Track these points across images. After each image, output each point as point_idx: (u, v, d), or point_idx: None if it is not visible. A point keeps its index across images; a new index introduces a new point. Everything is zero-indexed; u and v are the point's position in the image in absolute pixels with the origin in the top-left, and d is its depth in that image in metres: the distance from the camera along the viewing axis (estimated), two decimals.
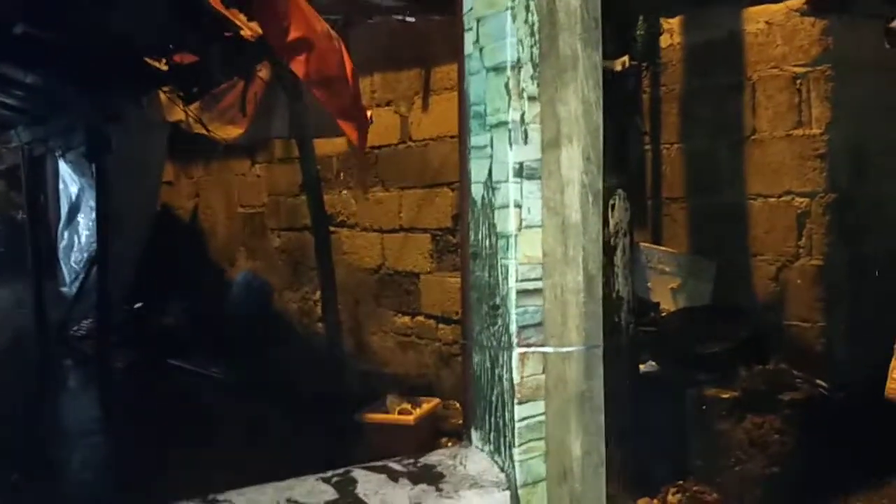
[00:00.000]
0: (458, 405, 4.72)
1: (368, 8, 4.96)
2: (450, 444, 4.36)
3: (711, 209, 4.08)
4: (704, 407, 3.59)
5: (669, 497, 3.52)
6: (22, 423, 5.53)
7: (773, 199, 3.83)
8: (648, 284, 4.06)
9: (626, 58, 3.45)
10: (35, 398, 6.28)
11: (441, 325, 5.28)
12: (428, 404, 4.31)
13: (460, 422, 4.67)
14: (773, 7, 3.75)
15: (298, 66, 3.76)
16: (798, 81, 3.71)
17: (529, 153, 1.37)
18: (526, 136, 1.36)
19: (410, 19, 4.92)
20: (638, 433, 3.38)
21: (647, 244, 4.10)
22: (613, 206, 3.52)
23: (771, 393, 3.56)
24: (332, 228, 5.83)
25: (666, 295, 4.05)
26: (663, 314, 4.03)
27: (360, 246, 5.90)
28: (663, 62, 4.13)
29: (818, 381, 3.65)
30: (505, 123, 1.37)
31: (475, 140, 1.44)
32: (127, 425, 5.28)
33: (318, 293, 6.09)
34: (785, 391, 3.57)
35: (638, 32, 3.80)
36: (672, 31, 4.09)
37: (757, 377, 3.63)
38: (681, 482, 3.55)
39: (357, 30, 5.30)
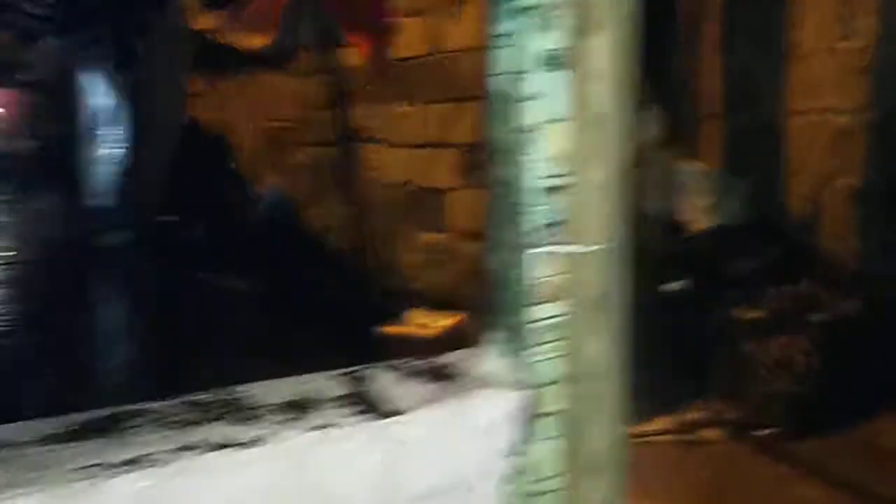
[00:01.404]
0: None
1: None
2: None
3: (749, 126, 3.94)
4: (732, 325, 3.54)
5: (689, 415, 3.51)
6: (57, 330, 5.66)
7: (813, 116, 3.69)
8: (680, 202, 3.97)
9: None
10: (65, 307, 6.41)
11: (468, 242, 5.24)
12: (451, 319, 4.31)
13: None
14: None
15: None
16: None
17: (557, 41, 1.29)
18: (553, 23, 1.29)
19: None
20: (662, 352, 3.36)
21: (678, 160, 3.99)
22: (647, 119, 3.42)
23: (800, 313, 3.51)
24: (358, 143, 5.77)
25: (697, 213, 3.96)
26: (695, 231, 3.95)
27: (386, 161, 5.84)
28: None
29: (849, 302, 3.58)
30: (532, 8, 1.29)
31: (501, 27, 1.36)
32: (153, 334, 5.38)
33: (345, 209, 6.08)
34: (815, 312, 3.51)
35: None
36: None
37: (787, 297, 3.57)
38: (702, 401, 3.54)
39: None
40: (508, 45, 1.34)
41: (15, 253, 8.43)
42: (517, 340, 1.34)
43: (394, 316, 4.51)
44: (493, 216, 1.40)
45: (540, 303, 1.32)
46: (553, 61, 1.30)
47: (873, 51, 3.49)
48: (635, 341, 1.44)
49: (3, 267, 7.75)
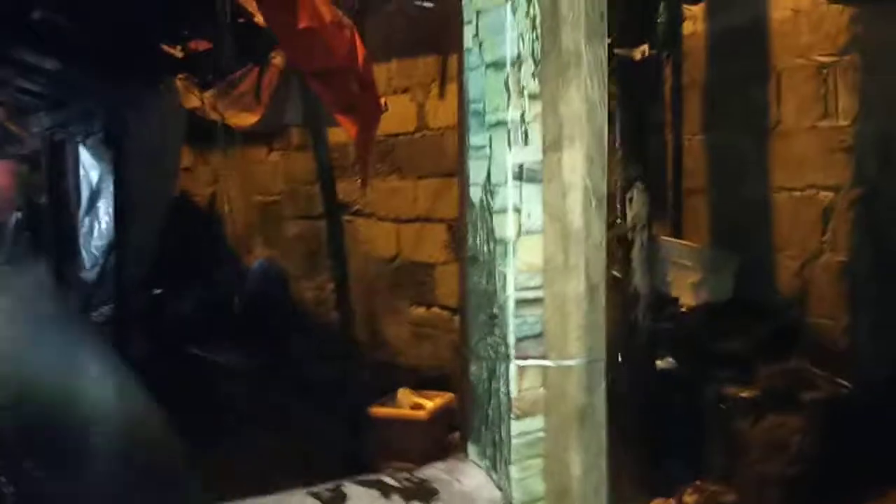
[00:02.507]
0: None
1: None
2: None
3: (734, 202, 3.97)
4: (723, 405, 3.50)
5: (685, 497, 3.44)
6: (40, 409, 5.56)
7: (797, 193, 3.72)
8: (668, 279, 3.97)
9: (646, 46, 3.35)
10: (53, 385, 6.31)
11: (456, 317, 5.22)
12: (441, 398, 4.25)
13: None
14: None
15: (300, 58, 3.71)
16: (825, 71, 3.59)
17: (530, 155, 1.29)
18: (526, 137, 1.29)
19: (428, 4, 4.84)
20: (655, 431, 3.30)
21: (666, 237, 4.00)
22: (632, 198, 3.43)
23: (792, 392, 3.47)
24: (347, 217, 5.78)
25: (686, 290, 3.95)
26: (683, 309, 3.93)
27: (376, 235, 5.85)
28: (685, 50, 4.01)
29: (840, 381, 3.55)
30: (504, 123, 1.29)
31: (474, 140, 1.36)
32: (143, 413, 5.29)
33: (333, 282, 6.06)
34: (806, 390, 3.48)
35: (659, 20, 3.69)
36: (695, 19, 3.98)
37: (778, 375, 3.53)
38: (698, 482, 3.48)
39: (374, 16, 5.23)
40: (482, 158, 1.34)
41: None
42: (499, 455, 1.31)
43: (383, 393, 4.45)
44: (470, 327, 1.38)
45: (520, 417, 1.29)
46: (527, 175, 1.29)
47: (854, 129, 3.53)
48: (625, 421, 1.41)
49: None
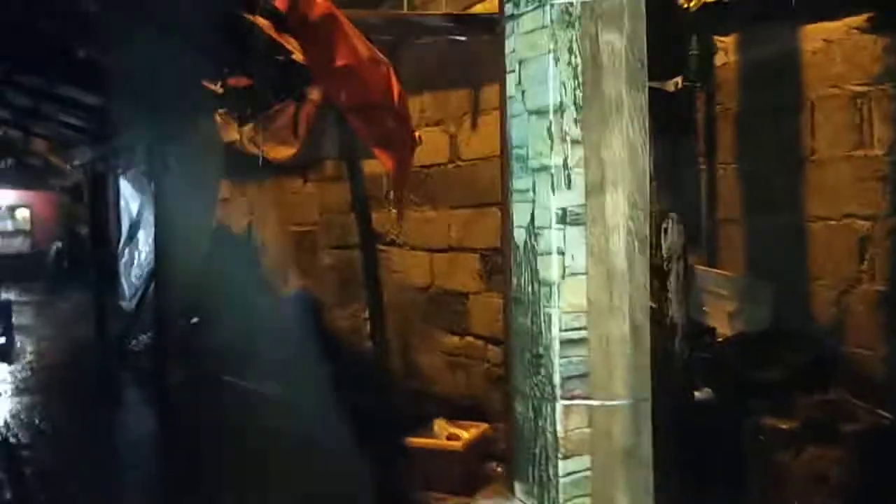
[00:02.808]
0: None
1: (419, 28, 4.98)
2: (498, 468, 4.31)
3: (769, 231, 3.96)
4: (762, 437, 3.47)
5: None
6: (79, 437, 5.66)
7: (833, 222, 3.70)
8: (704, 308, 3.96)
9: (679, 78, 3.38)
10: (93, 411, 6.43)
11: (490, 346, 5.23)
12: (476, 429, 4.26)
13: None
14: (833, 25, 3.63)
15: (337, 94, 3.79)
16: (859, 101, 3.59)
17: (573, 198, 1.33)
18: (569, 181, 1.33)
19: (460, 38, 4.91)
20: (693, 463, 3.28)
21: (702, 267, 4.00)
22: (667, 229, 3.44)
23: (831, 423, 3.43)
24: (381, 247, 5.84)
25: (722, 319, 3.94)
26: (719, 339, 3.92)
27: (410, 265, 5.90)
28: (718, 81, 4.04)
29: (881, 412, 3.51)
30: (547, 168, 1.34)
31: (517, 183, 1.41)
32: (178, 442, 5.37)
33: (367, 311, 6.12)
34: (846, 421, 3.44)
35: (691, 52, 3.72)
36: (727, 50, 4.00)
37: (817, 406, 3.50)
38: None
39: (407, 49, 5.32)
40: (526, 201, 1.38)
41: (37, 356, 8.52)
42: (547, 494, 1.33)
43: (417, 422, 4.47)
44: (515, 366, 1.41)
45: (567, 456, 1.32)
46: (570, 218, 1.33)
47: (890, 158, 3.52)
48: (663, 453, 1.42)
49: (28, 370, 7.82)
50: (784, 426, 3.44)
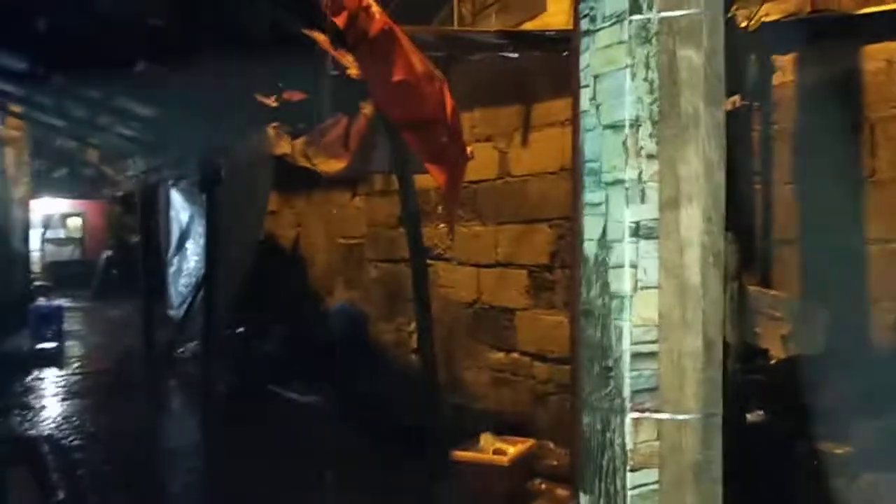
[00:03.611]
0: (552, 445, 4.64)
1: (472, 44, 5.02)
2: (543, 486, 4.28)
3: (825, 252, 3.90)
4: (816, 462, 3.40)
5: None
6: (126, 443, 5.76)
7: (893, 245, 3.63)
8: (757, 330, 3.90)
9: (736, 97, 3.37)
10: (140, 418, 6.54)
11: (536, 363, 5.22)
12: (522, 445, 4.25)
13: (554, 463, 4.60)
14: (894, 45, 3.58)
15: (392, 111, 3.84)
16: None
17: (647, 212, 1.34)
18: (643, 195, 1.34)
19: (512, 55, 4.94)
20: (745, 487, 3.23)
21: (756, 288, 3.95)
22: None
23: (887, 449, 3.35)
24: (428, 261, 5.86)
25: (776, 341, 3.88)
26: (773, 361, 3.86)
27: (457, 280, 5.92)
28: (775, 100, 4.00)
29: None
30: (622, 181, 1.35)
31: (589, 197, 1.42)
32: (224, 451, 5.44)
33: (413, 325, 6.13)
34: None
35: (749, 71, 3.70)
36: (785, 69, 3.96)
37: (872, 432, 3.42)
38: None
39: (459, 65, 5.37)
40: (598, 215, 1.39)
41: (86, 362, 8.69)
42: None
43: (463, 436, 4.47)
44: (583, 379, 1.41)
45: (635, 469, 1.31)
46: (643, 231, 1.34)
47: None
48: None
49: (77, 377, 7.99)
50: (839, 451, 3.37)
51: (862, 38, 3.69)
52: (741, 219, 3.63)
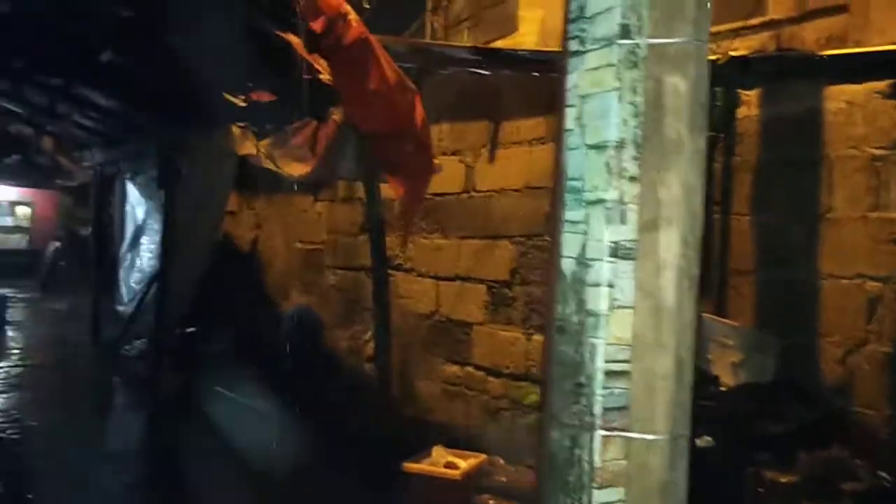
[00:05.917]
0: (502, 462, 4.65)
1: (441, 58, 5.04)
2: (491, 502, 4.28)
3: (779, 285, 3.99)
4: (761, 489, 3.47)
5: None
6: (67, 440, 5.60)
7: (844, 281, 3.74)
8: (709, 356, 3.97)
9: None
10: (82, 415, 6.37)
11: (490, 378, 5.23)
12: (474, 459, 4.24)
13: (503, 479, 4.61)
14: (855, 87, 3.70)
15: (362, 118, 3.84)
16: (877, 163, 3.65)
17: (626, 233, 1.36)
18: (623, 216, 1.36)
19: (484, 72, 4.97)
20: None
21: (709, 315, 4.03)
22: None
23: (832, 481, 3.43)
24: (389, 271, 5.85)
25: (726, 369, 3.95)
26: (723, 389, 3.93)
27: (415, 291, 5.92)
28: (738, 132, 4.10)
29: (881, 473, 3.51)
30: (603, 201, 1.37)
31: (570, 214, 1.44)
32: (165, 451, 5.34)
33: (370, 333, 6.11)
34: (846, 480, 3.44)
35: (716, 103, 3.79)
36: (750, 103, 4.07)
37: (818, 463, 3.50)
38: None
39: (430, 79, 5.39)
40: (577, 232, 1.41)
41: (27, 356, 8.46)
42: None
43: (415, 448, 4.45)
44: (554, 394, 1.42)
45: (601, 487, 1.33)
46: (622, 252, 1.36)
47: None
48: None
49: (18, 369, 7.77)
50: (784, 480, 3.44)
51: (824, 78, 3.81)
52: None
